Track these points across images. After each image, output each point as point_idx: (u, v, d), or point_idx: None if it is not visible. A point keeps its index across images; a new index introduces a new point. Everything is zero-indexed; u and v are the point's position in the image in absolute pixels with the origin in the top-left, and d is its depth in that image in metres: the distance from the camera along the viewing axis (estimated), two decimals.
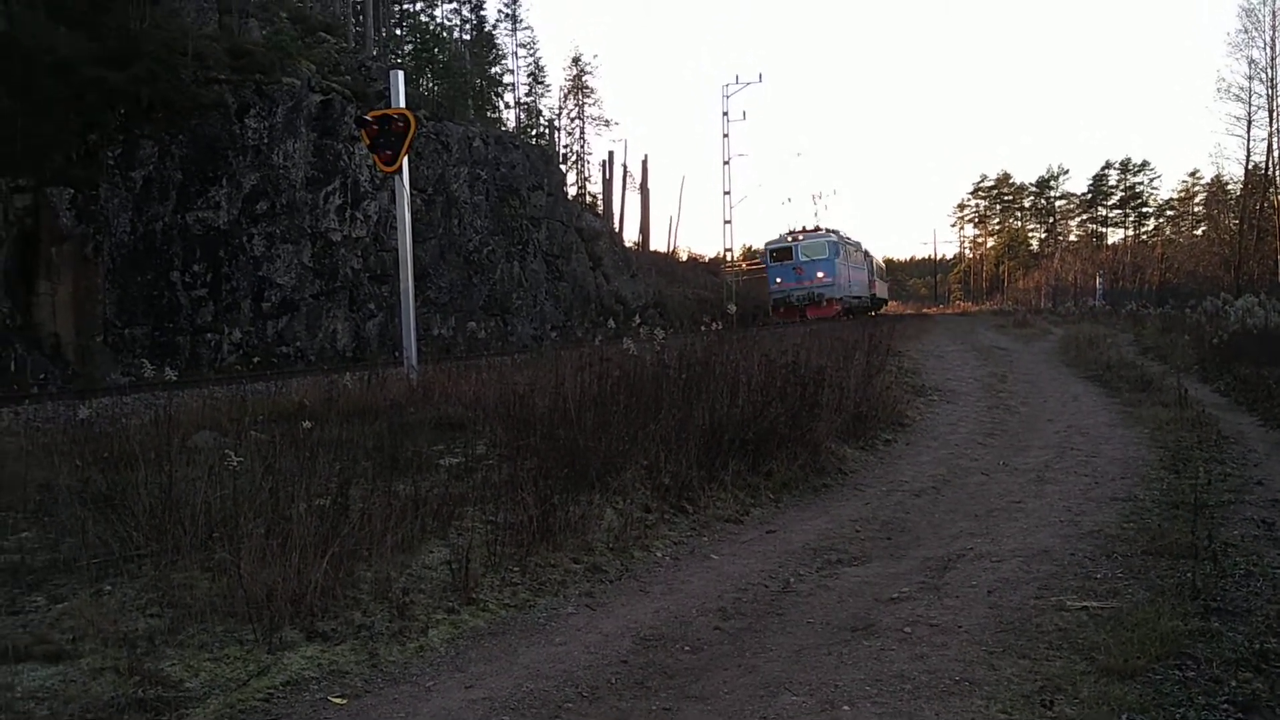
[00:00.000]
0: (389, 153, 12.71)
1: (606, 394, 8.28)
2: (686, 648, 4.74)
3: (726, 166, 46.78)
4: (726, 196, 46.64)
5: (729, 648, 4.74)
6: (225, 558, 4.79)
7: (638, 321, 10.32)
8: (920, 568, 6.09)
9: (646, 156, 52.59)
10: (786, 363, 9.85)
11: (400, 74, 13.63)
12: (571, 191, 52.96)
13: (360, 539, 5.25)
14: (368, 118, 13.06)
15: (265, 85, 21.05)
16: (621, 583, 5.82)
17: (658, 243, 64.52)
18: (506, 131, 53.86)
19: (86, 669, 4.04)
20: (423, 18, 65.68)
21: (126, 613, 4.54)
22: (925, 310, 60.73)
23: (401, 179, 13.12)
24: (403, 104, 13.11)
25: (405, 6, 64.35)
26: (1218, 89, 78.87)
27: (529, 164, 33.11)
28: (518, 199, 31.44)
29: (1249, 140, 45.92)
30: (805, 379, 9.70)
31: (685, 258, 64.52)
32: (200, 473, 5.77)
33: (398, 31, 62.47)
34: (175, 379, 6.16)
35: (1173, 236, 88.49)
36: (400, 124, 12.63)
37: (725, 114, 46.99)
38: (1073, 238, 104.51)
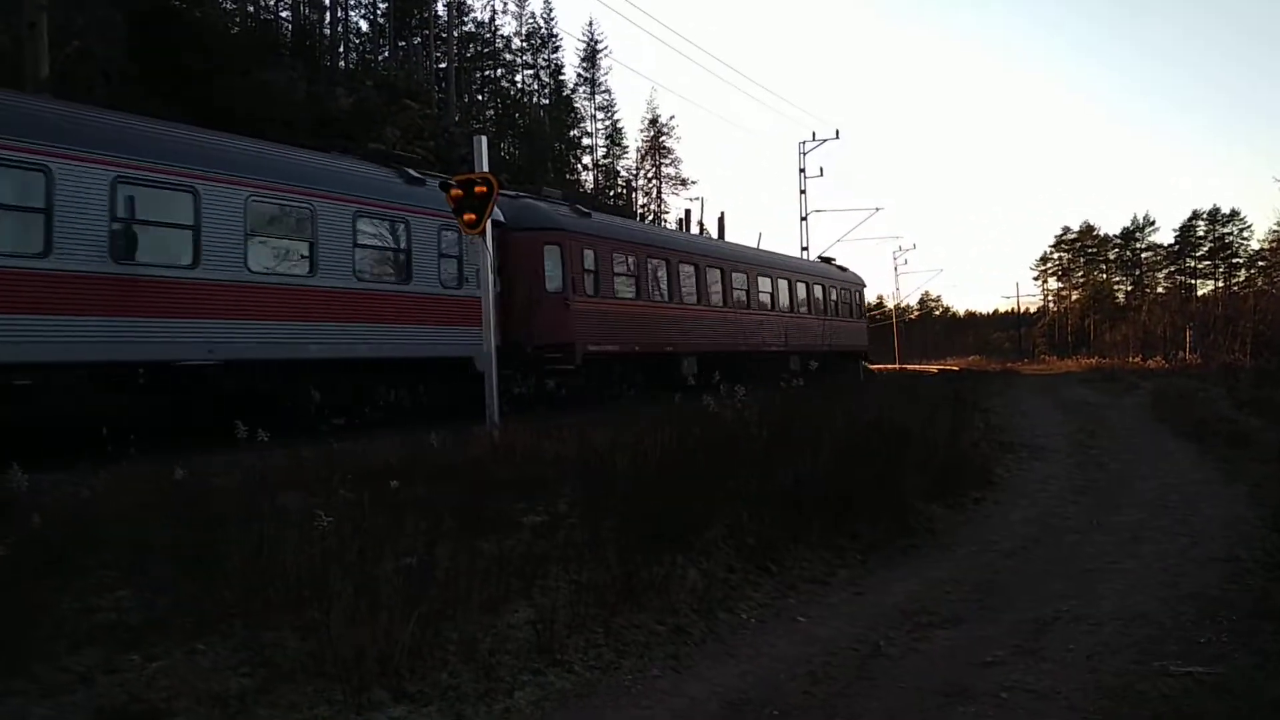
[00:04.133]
0: (473, 215, 12.94)
1: (687, 452, 8.26)
2: (775, 712, 4.65)
3: (804, 222, 46.80)
4: (805, 252, 46.55)
5: (819, 713, 4.65)
6: (315, 617, 4.83)
7: (717, 377, 10.30)
8: (1014, 630, 5.93)
9: (723, 214, 52.91)
10: (870, 420, 9.75)
11: (484, 139, 13.92)
12: None
13: (446, 599, 5.26)
14: (452, 182, 13.33)
15: (353, 150, 21.60)
16: (706, 645, 5.75)
17: None
18: (585, 194, 54.55)
19: None
20: (504, 84, 67.12)
21: (219, 672, 4.59)
22: (1009, 365, 59.71)
23: (485, 241, 13.34)
24: (486, 168, 13.36)
25: (486, 73, 65.82)
26: None
27: None
28: None
29: None
30: (890, 436, 9.58)
31: None
32: (290, 532, 5.86)
33: (479, 97, 63.80)
34: (266, 439, 6.33)
35: (1265, 287, 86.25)
36: (483, 188, 12.87)
37: (802, 170, 47.17)
38: (1160, 290, 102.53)
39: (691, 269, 25.32)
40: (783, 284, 31.12)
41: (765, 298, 29.77)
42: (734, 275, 27.58)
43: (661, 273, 24.03)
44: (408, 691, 4.53)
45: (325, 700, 4.37)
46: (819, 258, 40.79)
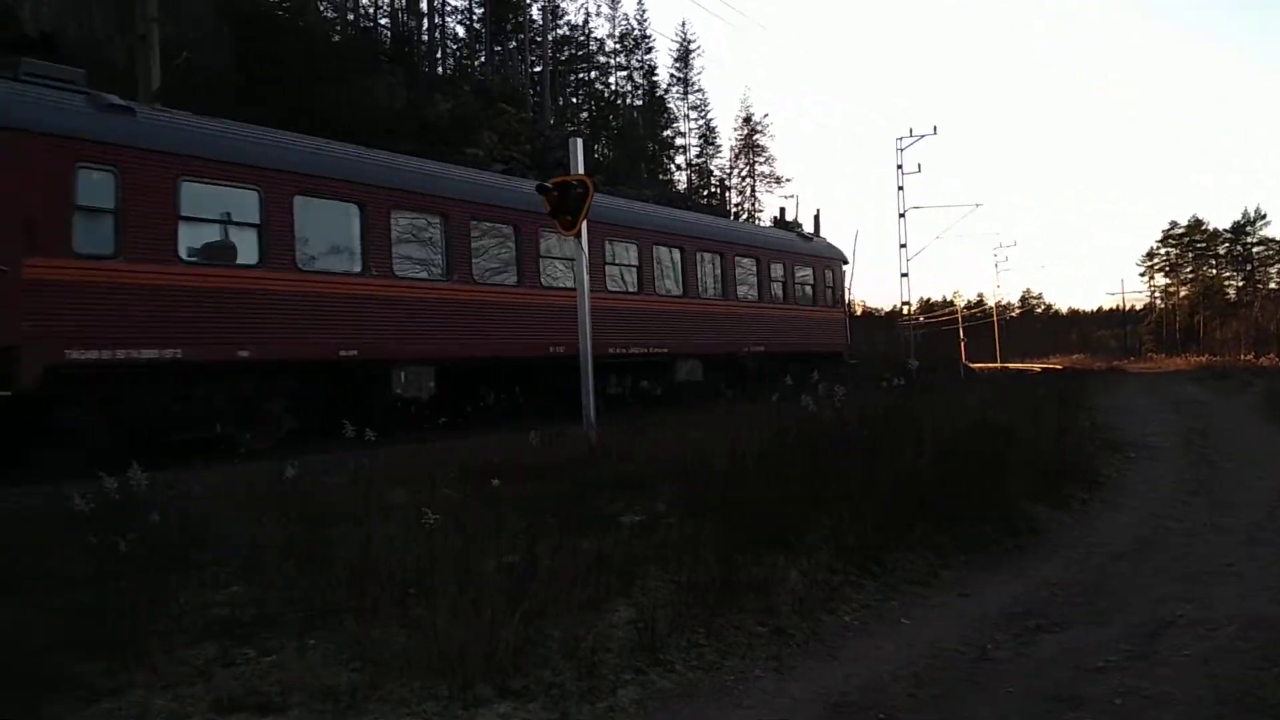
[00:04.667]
0: (569, 217, 13.02)
1: (785, 452, 8.20)
2: (880, 715, 4.60)
3: (901, 219, 46.17)
4: (902, 250, 45.93)
5: (925, 716, 4.58)
6: (421, 614, 4.90)
7: (815, 376, 10.23)
8: (1126, 634, 5.77)
9: (818, 211, 52.31)
10: (973, 420, 9.58)
11: (579, 141, 13.96)
12: None
13: (548, 597, 5.30)
14: (549, 184, 13.42)
15: (450, 156, 21.93)
16: (809, 646, 5.70)
17: None
18: (678, 193, 54.59)
19: None
20: (597, 86, 67.55)
21: (329, 667, 4.69)
22: (1115, 363, 58.20)
23: (580, 242, 13.41)
24: (581, 170, 13.41)
25: (580, 75, 66.29)
26: None
27: None
28: None
29: None
30: (992, 436, 9.41)
31: (860, 312, 63.47)
32: (395, 530, 5.97)
33: (574, 100, 64.27)
34: (374, 439, 6.47)
35: None
36: (579, 190, 12.93)
37: (899, 167, 46.53)
38: (1273, 285, 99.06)
39: (434, 221, 15.94)
40: (666, 255, 21.68)
41: (629, 275, 20.69)
42: (544, 239, 18.20)
43: (347, 225, 14.93)
44: (512, 688, 4.57)
45: (432, 696, 4.43)
46: (775, 221, 32.82)
